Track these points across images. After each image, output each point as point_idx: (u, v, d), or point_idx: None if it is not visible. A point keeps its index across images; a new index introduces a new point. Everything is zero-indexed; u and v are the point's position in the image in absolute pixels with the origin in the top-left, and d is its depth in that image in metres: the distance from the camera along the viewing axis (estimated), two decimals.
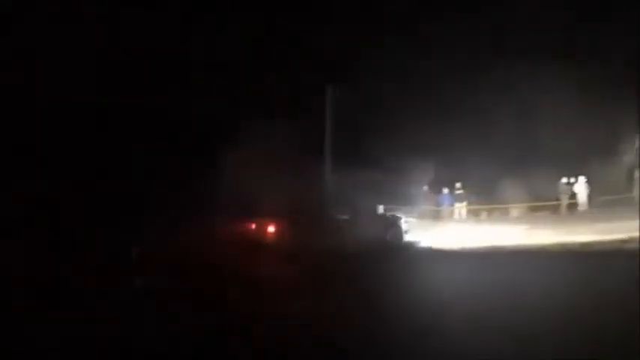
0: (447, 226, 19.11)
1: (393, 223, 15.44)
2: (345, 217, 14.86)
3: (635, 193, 22.34)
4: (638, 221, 13.27)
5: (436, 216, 21.82)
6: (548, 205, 22.32)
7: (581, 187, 21.95)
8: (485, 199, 22.13)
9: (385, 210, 17.73)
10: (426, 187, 21.63)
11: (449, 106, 22.35)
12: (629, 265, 8.69)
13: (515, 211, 22.42)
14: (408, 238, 15.49)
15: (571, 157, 22.15)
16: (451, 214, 22.21)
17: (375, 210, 17.12)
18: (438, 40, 22.69)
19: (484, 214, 22.08)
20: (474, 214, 22.05)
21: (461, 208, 22.06)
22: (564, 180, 21.91)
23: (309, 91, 20.86)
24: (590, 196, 21.93)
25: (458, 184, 22.03)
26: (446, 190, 21.85)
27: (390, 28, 22.54)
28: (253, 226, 14.44)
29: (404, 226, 15.62)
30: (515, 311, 6.40)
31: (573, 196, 22.09)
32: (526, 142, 22.79)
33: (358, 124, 21.46)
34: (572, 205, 22.10)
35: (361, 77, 21.64)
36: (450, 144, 21.23)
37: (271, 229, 14.27)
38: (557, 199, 22.14)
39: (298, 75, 20.73)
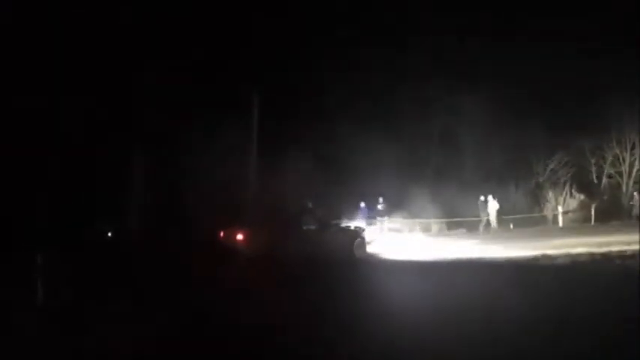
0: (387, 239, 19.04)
1: (358, 235, 15.19)
2: (312, 227, 14.49)
3: (547, 212, 23.31)
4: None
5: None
6: (465, 221, 22.78)
7: (490, 206, 22.54)
8: (406, 214, 22.28)
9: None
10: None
11: (375, 127, 22.41)
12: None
13: (435, 226, 22.69)
14: (369, 249, 15.46)
15: (487, 178, 22.85)
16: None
17: (337, 221, 17.04)
18: (367, 64, 23.05)
19: (406, 229, 22.14)
20: (397, 228, 22.02)
21: (382, 222, 21.99)
22: (482, 198, 22.42)
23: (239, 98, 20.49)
24: (498, 213, 22.56)
25: (380, 199, 22.02)
26: (362, 204, 21.73)
27: (319, 43, 22.51)
28: None
29: (367, 237, 15.55)
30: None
31: (488, 213, 22.68)
32: (445, 163, 23.34)
33: (284, 133, 21.23)
34: (488, 222, 22.70)
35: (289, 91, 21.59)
36: (373, 161, 21.32)
37: None
38: (478, 216, 22.66)
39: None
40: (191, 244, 13.70)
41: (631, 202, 22.80)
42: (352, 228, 15.75)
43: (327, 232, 14.53)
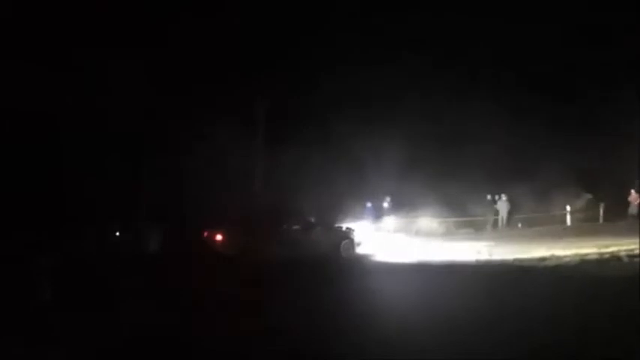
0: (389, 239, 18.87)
1: (346, 236, 14.93)
2: (297, 227, 14.29)
3: (555, 211, 23.16)
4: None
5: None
6: (474, 220, 22.64)
7: (502, 205, 22.40)
8: (413, 213, 22.17)
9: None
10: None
11: (381, 126, 22.26)
12: None
13: (442, 226, 22.56)
14: (360, 250, 15.20)
15: (495, 176, 22.70)
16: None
17: (329, 221, 16.69)
18: (377, 65, 22.93)
19: (411, 228, 22.02)
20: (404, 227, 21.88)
21: (389, 221, 21.91)
22: (489, 197, 22.30)
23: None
24: (510, 213, 22.44)
25: (387, 198, 21.97)
26: (369, 204, 21.63)
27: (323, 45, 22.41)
28: None
29: (357, 238, 15.26)
30: None
31: (496, 212, 22.54)
32: (453, 163, 23.21)
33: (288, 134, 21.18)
34: (495, 222, 22.57)
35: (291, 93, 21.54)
36: (379, 161, 21.23)
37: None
38: (484, 215, 22.51)
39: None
40: (185, 245, 13.67)
41: (629, 199, 22.62)
42: (343, 229, 15.51)
43: (311, 233, 14.34)
